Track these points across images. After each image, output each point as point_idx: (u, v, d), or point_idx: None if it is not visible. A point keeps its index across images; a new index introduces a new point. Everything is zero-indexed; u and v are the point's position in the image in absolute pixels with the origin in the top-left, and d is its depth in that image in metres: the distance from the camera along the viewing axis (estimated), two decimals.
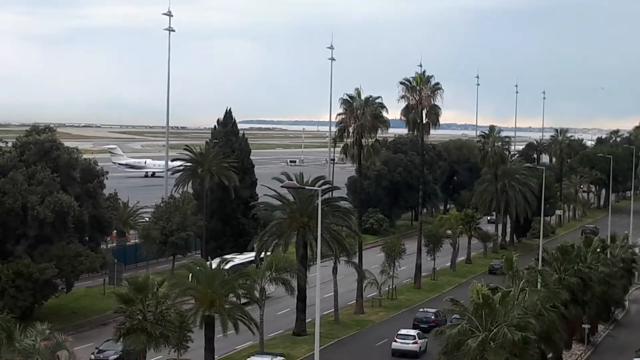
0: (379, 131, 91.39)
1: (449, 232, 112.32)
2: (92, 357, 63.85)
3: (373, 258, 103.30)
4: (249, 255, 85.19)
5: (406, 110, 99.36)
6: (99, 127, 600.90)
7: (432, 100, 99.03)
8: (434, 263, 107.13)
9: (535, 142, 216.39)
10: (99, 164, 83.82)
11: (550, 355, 62.94)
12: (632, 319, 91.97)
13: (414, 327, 75.00)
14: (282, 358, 65.35)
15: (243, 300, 65.43)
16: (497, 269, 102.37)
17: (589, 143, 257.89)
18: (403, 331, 72.36)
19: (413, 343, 70.21)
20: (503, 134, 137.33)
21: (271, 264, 68.51)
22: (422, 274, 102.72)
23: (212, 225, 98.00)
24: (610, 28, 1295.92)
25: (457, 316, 53.00)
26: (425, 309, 77.50)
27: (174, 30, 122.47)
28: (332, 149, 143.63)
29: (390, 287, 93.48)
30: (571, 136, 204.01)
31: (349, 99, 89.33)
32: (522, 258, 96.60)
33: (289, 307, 79.49)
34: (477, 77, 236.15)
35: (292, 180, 73.29)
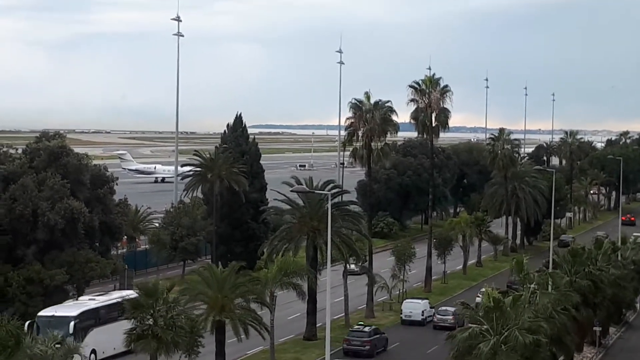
0: (389, 135, 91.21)
1: (460, 235, 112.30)
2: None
3: (383, 262, 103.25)
4: (111, 297, 69.64)
5: (415, 114, 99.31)
6: (109, 133, 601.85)
7: (441, 103, 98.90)
8: (444, 266, 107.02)
9: (544, 145, 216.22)
10: (108, 169, 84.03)
11: (561, 358, 62.86)
12: None
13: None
14: (427, 300, 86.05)
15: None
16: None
17: (599, 145, 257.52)
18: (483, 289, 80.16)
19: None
20: (512, 136, 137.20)
21: (282, 269, 68.51)
22: (433, 278, 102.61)
23: (222, 230, 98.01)
24: (619, 29, 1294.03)
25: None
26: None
27: (182, 36, 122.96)
28: (341, 153, 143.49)
29: (401, 290, 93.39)
30: (581, 138, 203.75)
31: (357, 103, 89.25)
32: (532, 261, 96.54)
33: (299, 311, 79.45)
34: (487, 79, 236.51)
35: (301, 184, 73.34)
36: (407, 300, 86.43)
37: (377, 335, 71.62)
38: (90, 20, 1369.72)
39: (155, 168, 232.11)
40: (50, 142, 77.37)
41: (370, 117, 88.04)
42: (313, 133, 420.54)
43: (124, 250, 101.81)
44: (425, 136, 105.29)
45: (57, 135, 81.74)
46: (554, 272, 65.61)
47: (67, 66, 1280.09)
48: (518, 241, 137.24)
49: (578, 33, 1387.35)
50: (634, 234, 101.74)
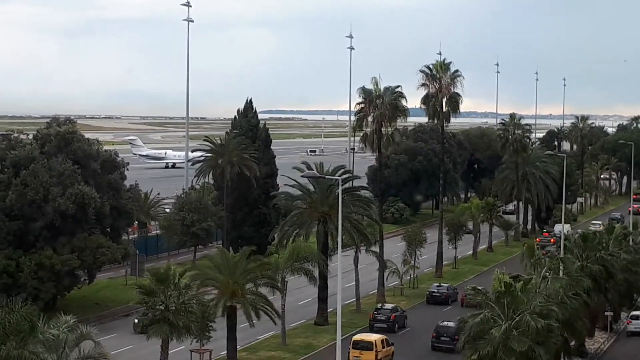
0: (399, 120, 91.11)
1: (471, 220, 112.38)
2: None
3: (394, 247, 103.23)
4: None
5: (426, 99, 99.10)
6: (119, 118, 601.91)
7: (452, 88, 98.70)
8: (455, 252, 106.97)
9: (555, 130, 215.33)
10: (119, 155, 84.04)
11: (573, 342, 62.81)
12: None
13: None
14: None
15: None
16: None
17: (610, 130, 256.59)
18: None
19: None
20: (523, 121, 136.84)
21: (293, 254, 68.57)
22: (444, 263, 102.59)
23: (233, 216, 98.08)
24: (631, 13, 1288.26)
25: None
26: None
27: (192, 21, 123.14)
28: (352, 138, 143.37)
29: (412, 276, 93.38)
30: (592, 123, 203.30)
31: (367, 88, 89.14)
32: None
33: (310, 296, 79.51)
34: (497, 64, 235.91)
35: (312, 169, 73.28)
36: (557, 225, 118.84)
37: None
38: (103, 6, 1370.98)
39: (165, 153, 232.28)
40: (61, 128, 77.36)
41: (380, 102, 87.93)
42: (324, 118, 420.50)
43: (135, 235, 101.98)
44: (435, 121, 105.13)
45: (68, 120, 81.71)
46: (565, 257, 65.50)
47: (79, 52, 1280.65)
48: (529, 226, 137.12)
49: (591, 17, 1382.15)
50: None
